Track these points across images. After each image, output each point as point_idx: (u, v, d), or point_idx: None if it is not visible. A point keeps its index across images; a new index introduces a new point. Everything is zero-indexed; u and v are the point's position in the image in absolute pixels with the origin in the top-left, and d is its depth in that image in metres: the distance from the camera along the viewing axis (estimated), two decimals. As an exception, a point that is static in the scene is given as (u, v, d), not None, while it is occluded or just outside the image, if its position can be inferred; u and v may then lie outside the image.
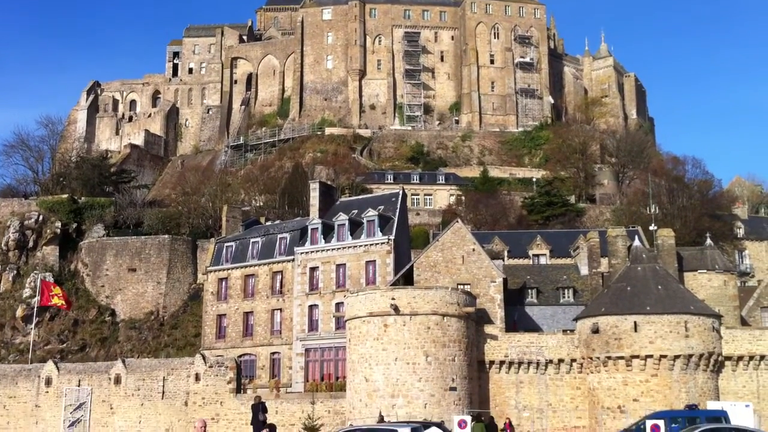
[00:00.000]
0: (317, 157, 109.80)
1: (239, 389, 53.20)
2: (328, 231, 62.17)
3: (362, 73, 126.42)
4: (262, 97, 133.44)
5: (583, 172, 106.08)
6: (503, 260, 60.87)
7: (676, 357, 44.75)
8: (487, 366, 48.10)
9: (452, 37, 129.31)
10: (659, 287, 46.84)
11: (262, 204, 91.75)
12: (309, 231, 62.86)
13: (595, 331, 46.18)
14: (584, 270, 57.57)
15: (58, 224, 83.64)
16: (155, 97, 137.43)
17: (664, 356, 44.68)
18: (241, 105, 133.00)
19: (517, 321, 53.72)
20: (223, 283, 66.34)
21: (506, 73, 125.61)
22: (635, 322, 45.29)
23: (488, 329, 48.79)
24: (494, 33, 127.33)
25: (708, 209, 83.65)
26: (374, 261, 59.76)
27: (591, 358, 46.59)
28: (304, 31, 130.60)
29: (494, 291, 51.82)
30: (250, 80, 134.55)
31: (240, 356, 60.84)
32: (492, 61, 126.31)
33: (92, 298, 78.38)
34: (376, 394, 44.66)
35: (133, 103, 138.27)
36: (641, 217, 78.18)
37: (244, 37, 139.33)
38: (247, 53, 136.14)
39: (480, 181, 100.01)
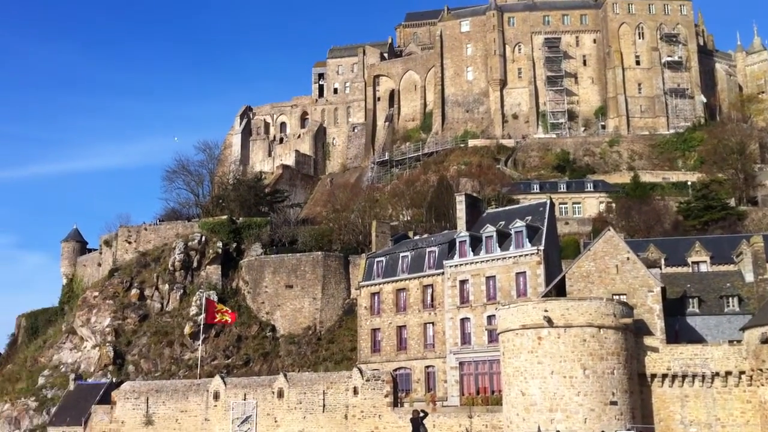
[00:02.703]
0: (461, 169, 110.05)
1: (396, 403, 54.13)
2: (476, 243, 62.36)
3: (503, 83, 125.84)
4: (405, 112, 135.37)
5: (742, 173, 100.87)
6: (660, 269, 58.92)
7: None
8: (649, 379, 46.70)
9: (594, 40, 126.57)
10: (834, 294, 44.07)
11: (409, 218, 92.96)
12: (457, 244, 63.28)
13: (765, 341, 43.96)
14: (749, 277, 54.85)
15: (220, 244, 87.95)
16: (303, 118, 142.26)
17: (843, 367, 41.98)
18: (384, 121, 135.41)
19: (679, 332, 51.82)
20: (376, 297, 67.75)
21: (653, 74, 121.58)
22: (809, 332, 42.81)
23: (648, 341, 47.40)
24: (639, 33, 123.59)
25: None
26: (524, 272, 59.43)
27: (761, 370, 44.35)
28: (443, 44, 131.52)
29: (652, 301, 50.28)
30: (393, 96, 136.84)
31: (395, 370, 61.90)
32: (638, 62, 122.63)
33: (253, 314, 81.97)
34: (534, 408, 44.33)
35: (283, 125, 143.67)
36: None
37: (385, 55, 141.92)
38: (388, 70, 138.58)
39: (631, 187, 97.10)
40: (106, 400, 66.63)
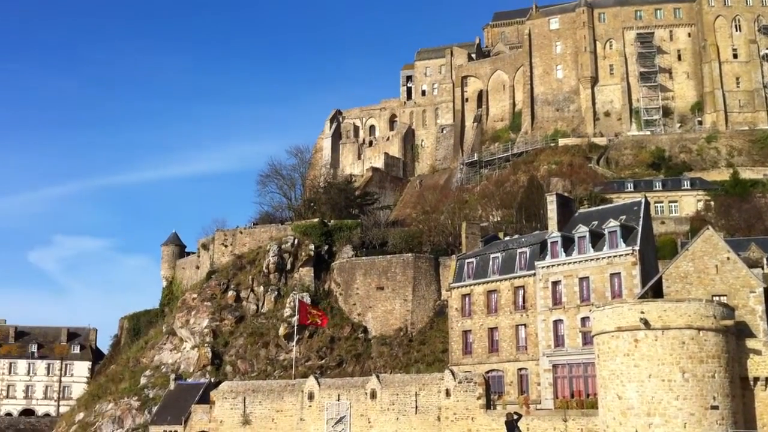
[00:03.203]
0: (552, 169, 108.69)
1: (489, 405, 53.93)
2: (568, 244, 61.49)
3: (594, 80, 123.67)
4: (494, 112, 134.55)
5: None
6: (762, 268, 56.94)
7: None
8: (752, 383, 45.16)
9: (689, 34, 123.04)
10: None
11: (499, 219, 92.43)
12: (549, 244, 62.54)
13: None
14: None
15: (312, 247, 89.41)
16: (392, 121, 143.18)
17: None
18: (473, 122, 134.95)
19: (783, 334, 49.87)
20: (467, 299, 67.60)
21: (752, 67, 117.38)
22: None
23: (750, 343, 45.83)
24: (735, 25, 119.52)
25: None
26: (619, 273, 58.20)
27: None
28: (532, 42, 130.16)
29: (754, 302, 48.54)
30: (481, 97, 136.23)
31: (487, 372, 61.60)
32: (735, 56, 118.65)
33: (345, 315, 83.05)
34: (631, 412, 43.45)
35: (372, 128, 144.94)
36: None
37: (473, 55, 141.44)
38: (476, 71, 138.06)
39: (730, 184, 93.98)
40: (205, 399, 68.68)
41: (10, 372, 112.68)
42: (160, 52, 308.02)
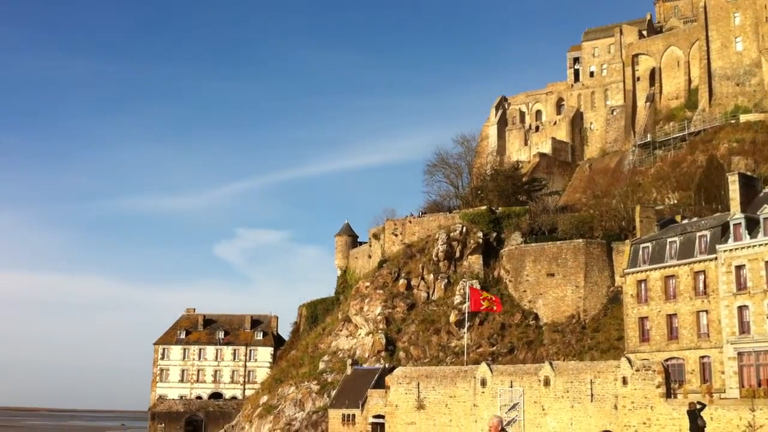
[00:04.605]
0: (733, 147, 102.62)
1: (669, 394, 52.15)
2: (752, 226, 58.22)
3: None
4: (667, 90, 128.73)
5: None
6: None
7: None
8: None
9: None
10: None
11: (675, 201, 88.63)
12: (731, 227, 59.49)
13: None
14: None
15: (480, 234, 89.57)
16: (559, 105, 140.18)
17: None
18: (645, 102, 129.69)
19: None
20: (642, 285, 65.52)
21: None
22: None
23: None
24: None
25: None
26: (811, 256, 54.55)
27: None
28: (708, 15, 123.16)
29: None
30: (653, 75, 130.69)
31: (666, 360, 59.54)
32: None
33: (516, 302, 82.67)
34: (827, 402, 40.76)
35: (538, 112, 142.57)
36: None
37: (644, 32, 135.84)
38: (647, 48, 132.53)
39: None
40: (380, 384, 70.69)
41: (199, 358, 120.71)
42: (328, 47, 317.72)
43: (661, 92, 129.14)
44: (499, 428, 14.90)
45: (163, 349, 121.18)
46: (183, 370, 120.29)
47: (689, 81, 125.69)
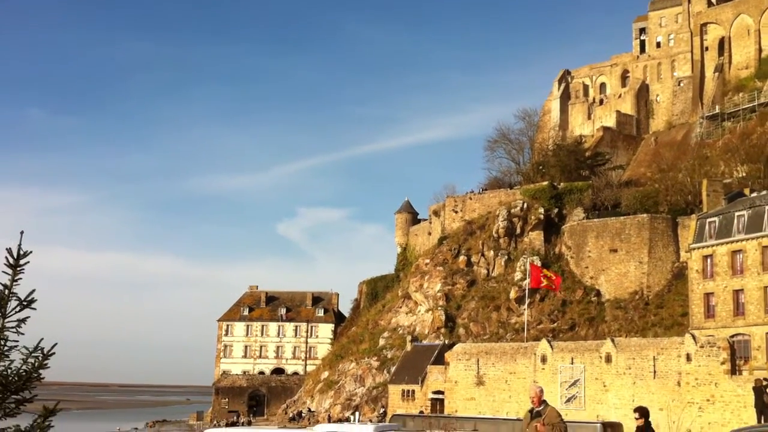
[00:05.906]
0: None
1: (734, 370, 50.71)
2: (826, 199, 55.96)
3: None
4: (737, 60, 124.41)
5: None
6: None
7: None
8: None
9: None
10: None
11: (744, 175, 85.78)
12: (803, 200, 57.30)
13: None
14: None
15: (541, 210, 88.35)
16: (624, 77, 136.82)
17: None
18: (714, 72, 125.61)
19: None
20: (708, 260, 63.73)
21: None
22: None
23: None
24: None
25: None
26: None
27: None
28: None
29: None
30: (722, 44, 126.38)
31: (732, 336, 57.83)
32: None
33: (577, 279, 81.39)
34: None
35: (602, 86, 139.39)
36: None
37: (712, 1, 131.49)
38: (716, 17, 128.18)
39: None
40: (439, 360, 70.46)
41: (262, 334, 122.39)
42: (380, 23, 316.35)
43: (730, 62, 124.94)
44: (542, 398, 14.51)
45: (227, 326, 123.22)
46: (246, 346, 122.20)
47: (760, 50, 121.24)
